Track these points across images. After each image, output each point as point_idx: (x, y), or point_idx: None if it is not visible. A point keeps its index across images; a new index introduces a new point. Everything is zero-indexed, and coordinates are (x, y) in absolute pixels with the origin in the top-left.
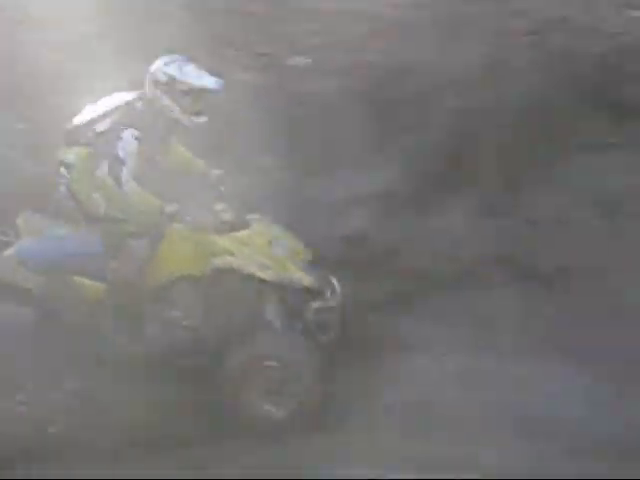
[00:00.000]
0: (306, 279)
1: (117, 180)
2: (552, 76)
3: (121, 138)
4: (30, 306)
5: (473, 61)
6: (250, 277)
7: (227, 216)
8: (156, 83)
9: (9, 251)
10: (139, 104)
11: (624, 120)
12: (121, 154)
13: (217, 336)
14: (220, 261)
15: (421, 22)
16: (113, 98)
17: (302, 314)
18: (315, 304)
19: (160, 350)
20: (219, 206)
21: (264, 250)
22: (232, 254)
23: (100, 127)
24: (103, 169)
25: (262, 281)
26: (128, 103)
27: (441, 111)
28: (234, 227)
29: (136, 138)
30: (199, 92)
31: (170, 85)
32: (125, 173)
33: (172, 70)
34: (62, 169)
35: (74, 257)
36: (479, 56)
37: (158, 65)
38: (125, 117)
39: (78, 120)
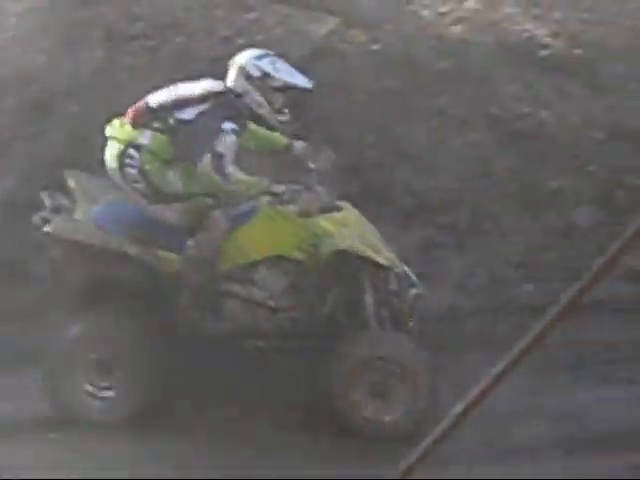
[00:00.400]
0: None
1: (223, 175)
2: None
3: (221, 130)
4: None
5: (90, 66)
6: (364, 260)
7: (326, 198)
8: (247, 77)
9: (80, 214)
10: (231, 97)
11: None
12: (221, 148)
13: (312, 319)
14: (334, 242)
15: (35, 28)
16: (194, 86)
17: (394, 301)
18: (413, 291)
19: (240, 330)
20: (319, 187)
21: (362, 234)
22: (334, 236)
23: (184, 115)
24: (204, 164)
25: (375, 265)
26: (218, 94)
27: (61, 117)
28: (329, 209)
29: (234, 131)
30: (289, 90)
31: (263, 80)
32: (230, 167)
33: (265, 65)
34: (131, 150)
35: (153, 227)
36: (95, 60)
37: (249, 58)
38: (218, 109)
39: (152, 102)
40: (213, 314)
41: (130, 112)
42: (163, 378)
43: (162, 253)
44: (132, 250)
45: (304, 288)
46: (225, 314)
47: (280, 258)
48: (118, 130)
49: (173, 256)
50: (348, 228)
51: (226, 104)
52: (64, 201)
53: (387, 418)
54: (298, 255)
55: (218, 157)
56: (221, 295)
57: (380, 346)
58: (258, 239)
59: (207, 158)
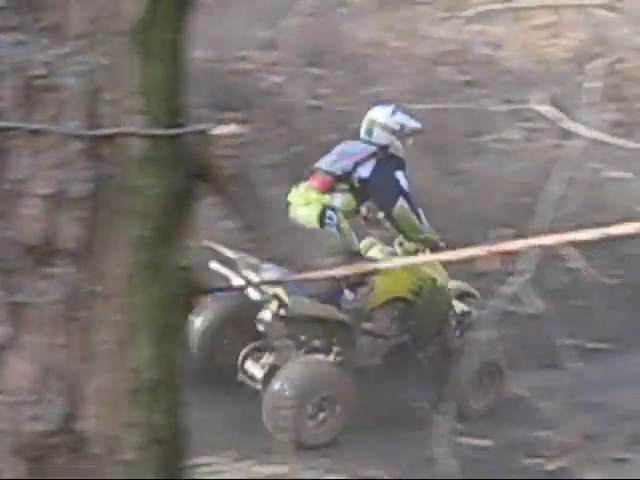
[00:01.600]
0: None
1: (418, 215)
2: None
3: (398, 179)
4: None
5: None
6: (451, 291)
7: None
8: (391, 131)
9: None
10: (385, 150)
11: None
12: (406, 188)
13: (420, 343)
14: (451, 284)
15: None
16: (353, 146)
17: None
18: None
19: (369, 359)
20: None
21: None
22: (432, 274)
23: (363, 173)
24: (399, 207)
25: (464, 294)
26: (379, 150)
27: None
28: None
29: (406, 178)
30: (416, 133)
31: (400, 131)
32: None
33: (400, 118)
34: (329, 211)
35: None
36: None
37: (385, 115)
38: (383, 162)
39: (332, 169)
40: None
41: (316, 181)
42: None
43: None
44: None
45: (411, 319)
46: (361, 347)
47: (396, 298)
48: (307, 194)
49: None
50: (435, 267)
51: (385, 156)
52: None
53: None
54: (409, 295)
55: (409, 200)
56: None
57: (494, 352)
58: (382, 286)
59: (400, 202)
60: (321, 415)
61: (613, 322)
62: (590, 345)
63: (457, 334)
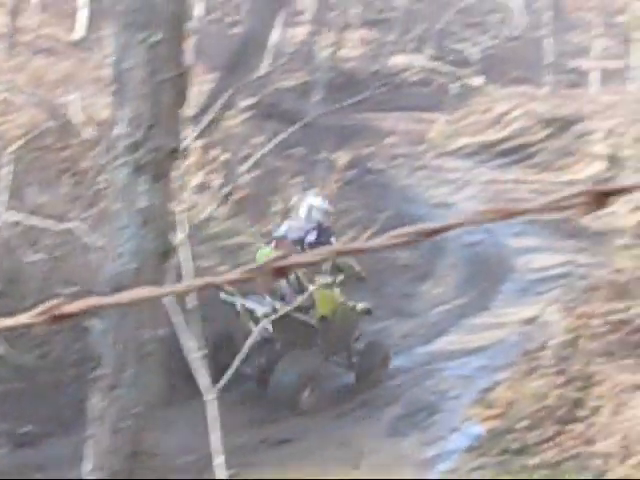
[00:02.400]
0: None
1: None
2: None
3: (332, 241)
4: None
5: None
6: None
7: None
8: (323, 211)
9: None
10: (322, 224)
11: None
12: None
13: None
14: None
15: None
16: (298, 223)
17: None
18: None
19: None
20: None
21: None
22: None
23: (311, 239)
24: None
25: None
26: (317, 225)
27: None
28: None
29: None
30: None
31: (327, 211)
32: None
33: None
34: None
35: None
36: None
37: (319, 202)
38: (323, 231)
39: (291, 237)
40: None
41: (280, 244)
42: None
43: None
44: None
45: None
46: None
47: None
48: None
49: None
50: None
51: (321, 228)
52: None
53: None
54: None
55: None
56: None
57: None
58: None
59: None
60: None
61: (40, 406)
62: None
63: None
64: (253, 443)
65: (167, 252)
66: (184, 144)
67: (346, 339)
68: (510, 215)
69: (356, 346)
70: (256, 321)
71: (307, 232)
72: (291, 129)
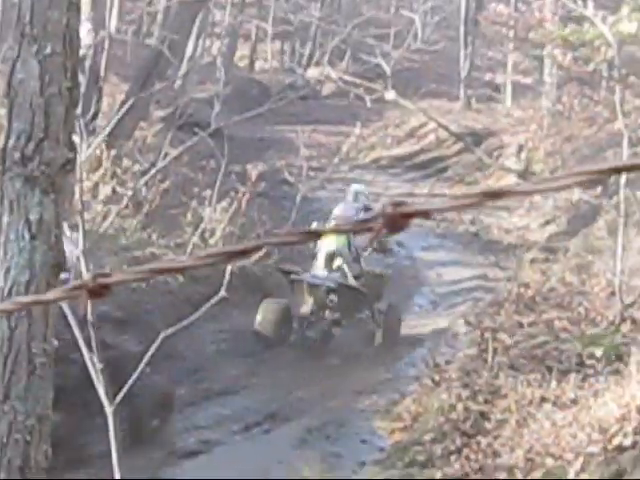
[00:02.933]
0: None
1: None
2: None
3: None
4: None
5: None
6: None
7: None
8: (365, 195)
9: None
10: (367, 207)
11: None
12: None
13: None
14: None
15: None
16: (350, 206)
17: None
18: None
19: None
20: None
21: None
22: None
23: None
24: None
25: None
26: (363, 207)
27: None
28: None
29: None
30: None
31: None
32: None
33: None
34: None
35: None
36: None
37: (363, 189)
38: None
39: (346, 215)
40: None
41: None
42: None
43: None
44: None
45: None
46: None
47: None
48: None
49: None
50: None
51: (366, 209)
52: None
53: None
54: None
55: None
56: None
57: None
58: None
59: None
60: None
61: None
62: None
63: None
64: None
65: (59, 265)
66: (85, 155)
67: (373, 301)
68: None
69: (379, 306)
70: (316, 294)
71: (358, 211)
72: (195, 139)
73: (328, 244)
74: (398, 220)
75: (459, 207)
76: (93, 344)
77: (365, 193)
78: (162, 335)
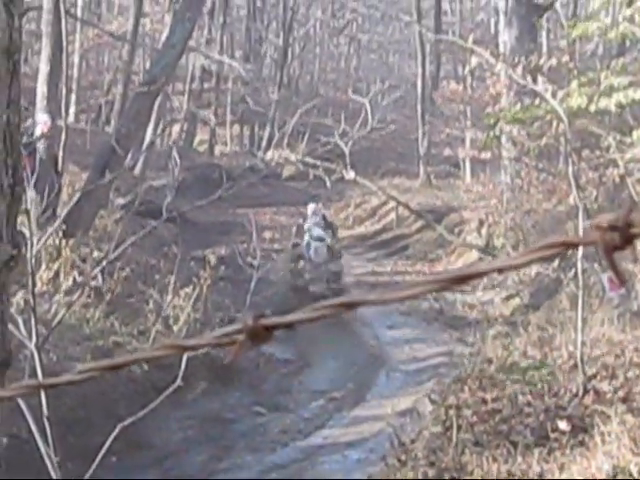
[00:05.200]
0: None
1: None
2: None
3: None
4: None
5: None
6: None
7: None
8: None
9: None
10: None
11: None
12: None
13: None
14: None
15: None
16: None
17: None
18: None
19: None
20: None
21: None
22: None
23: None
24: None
25: None
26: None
27: None
28: None
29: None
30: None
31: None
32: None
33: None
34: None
35: None
36: None
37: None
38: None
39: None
40: None
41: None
42: None
43: None
44: None
45: None
46: None
47: None
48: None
49: None
50: None
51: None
52: None
53: None
54: None
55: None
56: None
57: None
58: None
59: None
60: None
61: None
62: None
63: None
64: None
65: (6, 362)
66: (37, 247)
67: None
68: None
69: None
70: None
71: (320, 219)
72: (151, 226)
73: None
74: (261, 332)
75: (321, 317)
76: (49, 438)
77: (320, 208)
78: (119, 426)
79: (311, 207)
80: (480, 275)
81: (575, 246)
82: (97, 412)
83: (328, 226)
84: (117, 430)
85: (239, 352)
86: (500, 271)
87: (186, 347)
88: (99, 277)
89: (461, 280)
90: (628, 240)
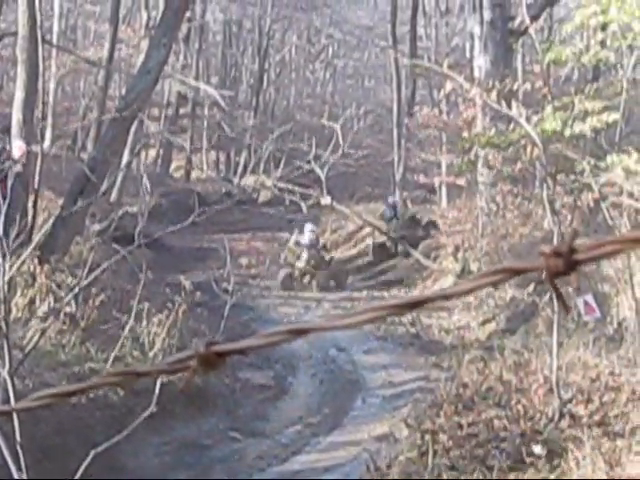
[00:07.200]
0: None
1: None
2: None
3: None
4: None
5: None
6: None
7: None
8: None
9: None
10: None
11: None
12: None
13: None
14: None
15: None
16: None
17: None
18: None
19: None
20: None
21: None
22: None
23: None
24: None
25: None
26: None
27: None
28: None
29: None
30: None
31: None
32: None
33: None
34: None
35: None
36: None
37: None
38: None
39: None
40: None
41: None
42: None
43: None
44: None
45: None
46: None
47: None
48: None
49: None
50: None
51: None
52: None
53: None
54: None
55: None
56: None
57: None
58: None
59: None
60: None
61: None
62: None
63: None
64: None
65: None
66: (9, 274)
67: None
68: None
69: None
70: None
71: (312, 234)
72: (124, 251)
73: None
74: (212, 359)
75: (272, 343)
76: (22, 464)
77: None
78: (92, 452)
79: (308, 226)
80: (428, 301)
81: (521, 272)
82: (73, 438)
83: (322, 247)
84: (91, 456)
85: (191, 378)
86: (448, 298)
87: (139, 373)
88: (72, 303)
89: (410, 306)
90: (571, 266)
